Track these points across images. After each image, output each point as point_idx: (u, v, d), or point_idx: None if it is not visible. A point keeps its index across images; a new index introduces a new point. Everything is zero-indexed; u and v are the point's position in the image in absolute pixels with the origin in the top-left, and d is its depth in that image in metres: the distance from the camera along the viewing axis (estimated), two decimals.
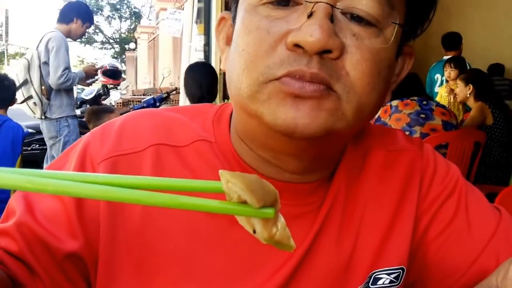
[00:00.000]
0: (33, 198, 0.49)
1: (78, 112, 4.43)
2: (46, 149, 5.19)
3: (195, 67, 2.68)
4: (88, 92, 5.88)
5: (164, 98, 4.82)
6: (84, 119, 3.33)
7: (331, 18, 0.43)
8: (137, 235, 0.50)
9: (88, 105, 5.28)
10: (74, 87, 3.66)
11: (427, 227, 0.57)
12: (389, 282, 0.55)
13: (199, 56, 4.47)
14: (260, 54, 0.44)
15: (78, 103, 5.57)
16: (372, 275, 0.55)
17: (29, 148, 5.15)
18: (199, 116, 0.56)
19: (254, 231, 0.33)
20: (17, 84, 3.00)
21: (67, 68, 3.15)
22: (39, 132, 5.33)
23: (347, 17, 0.44)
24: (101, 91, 5.52)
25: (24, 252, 0.46)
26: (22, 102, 3.09)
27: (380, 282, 0.55)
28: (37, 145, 5.22)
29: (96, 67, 3.95)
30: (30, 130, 5.29)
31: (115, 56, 29.16)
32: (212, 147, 0.53)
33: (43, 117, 3.18)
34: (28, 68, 3.05)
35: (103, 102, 5.64)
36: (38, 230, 0.47)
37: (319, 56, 0.42)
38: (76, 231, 0.48)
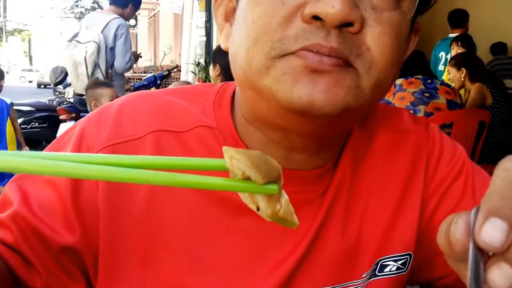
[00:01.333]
0: (28, 188, 0.48)
1: None
2: (45, 127, 5.20)
3: None
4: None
5: (165, 75, 4.77)
6: (84, 97, 3.38)
7: None
8: (141, 225, 0.49)
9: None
10: None
11: (434, 210, 0.56)
12: (396, 269, 0.54)
13: (200, 33, 4.41)
14: (273, 26, 0.41)
15: None
16: (378, 262, 0.54)
17: (29, 126, 5.15)
18: (199, 99, 0.54)
19: (258, 209, 0.32)
20: (88, 67, 3.25)
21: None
22: (39, 110, 5.33)
23: None
24: None
25: (20, 243, 0.45)
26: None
27: (387, 269, 0.54)
28: (37, 123, 5.23)
29: None
30: (29, 108, 5.30)
31: None
32: (214, 133, 0.51)
33: None
34: (98, 52, 3.26)
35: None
36: (33, 221, 0.46)
37: (338, 29, 0.40)
38: (72, 223, 0.47)
